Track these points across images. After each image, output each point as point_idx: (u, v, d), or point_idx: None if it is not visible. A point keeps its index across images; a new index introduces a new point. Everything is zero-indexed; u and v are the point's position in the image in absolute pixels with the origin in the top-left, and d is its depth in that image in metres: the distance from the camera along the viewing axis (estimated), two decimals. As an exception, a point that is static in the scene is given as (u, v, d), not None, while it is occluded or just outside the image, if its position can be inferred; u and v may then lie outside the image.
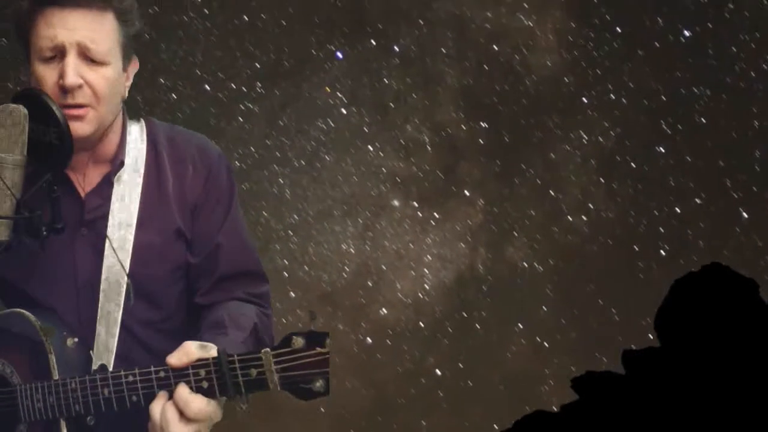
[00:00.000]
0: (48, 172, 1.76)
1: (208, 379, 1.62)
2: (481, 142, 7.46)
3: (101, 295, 1.87)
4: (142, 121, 1.98)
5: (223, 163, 2.01)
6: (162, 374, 1.66)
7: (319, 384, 1.57)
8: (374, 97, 7.32)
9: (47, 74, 1.78)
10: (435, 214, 7.57)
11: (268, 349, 1.58)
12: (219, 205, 1.97)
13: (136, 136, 1.95)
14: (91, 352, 1.85)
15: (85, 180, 1.91)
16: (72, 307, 1.88)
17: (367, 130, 7.32)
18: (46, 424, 1.77)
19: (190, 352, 1.66)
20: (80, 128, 1.79)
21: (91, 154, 1.90)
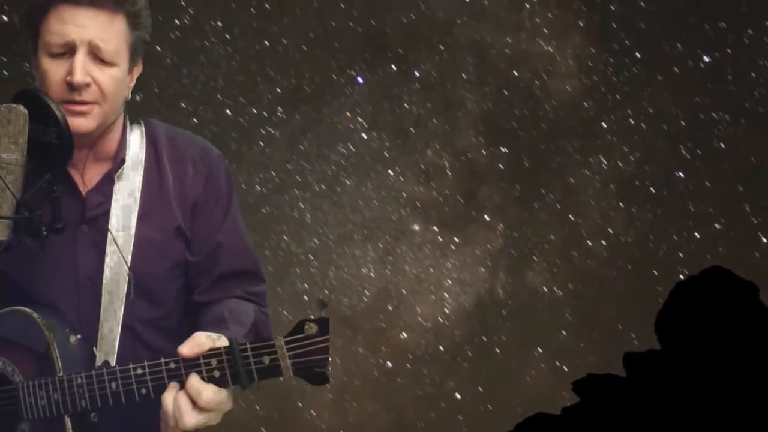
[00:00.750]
0: (48, 172, 1.76)
1: (219, 368, 1.63)
2: (501, 166, 7.49)
3: (103, 292, 1.87)
4: (142, 123, 2.00)
5: (223, 164, 2.03)
6: (172, 365, 1.67)
7: (329, 369, 1.61)
8: (395, 122, 7.37)
9: (54, 69, 1.79)
10: (455, 238, 7.60)
11: (280, 337, 1.61)
12: (219, 204, 1.98)
13: (137, 135, 1.97)
14: (94, 348, 1.85)
15: (86, 178, 1.92)
16: (73, 304, 1.88)
17: (387, 155, 7.37)
18: (49, 421, 1.76)
19: (201, 342, 1.68)
20: (83, 124, 1.81)
21: (93, 152, 1.91)
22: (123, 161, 1.93)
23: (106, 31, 1.79)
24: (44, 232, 1.74)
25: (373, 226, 7.46)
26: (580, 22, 7.17)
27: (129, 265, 1.86)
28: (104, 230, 1.89)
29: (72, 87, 1.77)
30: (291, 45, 6.92)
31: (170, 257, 1.94)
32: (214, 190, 1.98)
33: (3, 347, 1.84)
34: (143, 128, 1.99)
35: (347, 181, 7.33)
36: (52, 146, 1.73)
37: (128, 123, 1.97)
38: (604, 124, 7.34)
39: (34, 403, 1.77)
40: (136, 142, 1.95)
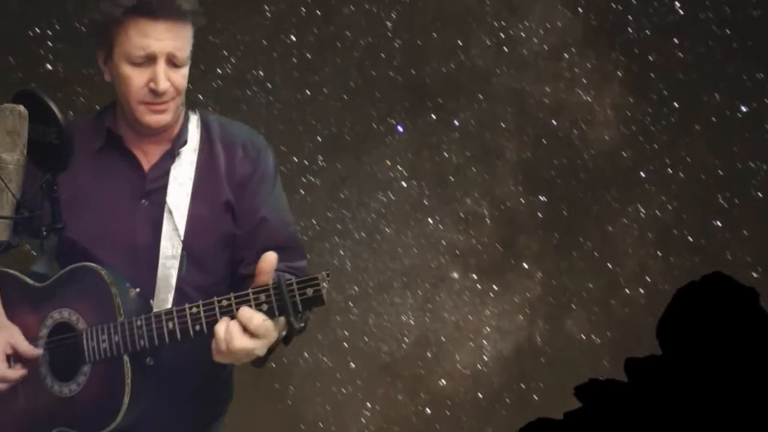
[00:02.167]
0: (48, 172, 1.78)
1: (267, 302, 1.78)
2: (540, 215, 7.44)
3: (160, 260, 2.03)
4: (198, 111, 2.19)
5: (269, 149, 2.19)
6: (224, 303, 1.81)
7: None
8: (434, 171, 7.34)
9: (137, 76, 1.98)
10: (494, 286, 7.54)
11: (323, 272, 1.77)
12: (264, 183, 2.14)
13: (194, 120, 2.15)
14: (151, 301, 2.01)
15: (148, 156, 2.10)
16: (130, 270, 2.02)
17: (426, 203, 7.33)
18: (109, 362, 1.91)
19: (271, 258, 1.83)
20: (163, 119, 2.03)
21: (157, 135, 2.10)
22: (185, 142, 2.11)
23: (181, 40, 1.99)
24: (44, 232, 1.75)
25: (412, 273, 7.46)
26: (618, 72, 7.17)
27: (182, 236, 2.03)
28: (161, 203, 2.06)
29: (155, 93, 1.98)
30: (332, 94, 6.95)
31: (219, 230, 2.09)
32: (260, 170, 2.14)
33: (70, 298, 1.99)
34: (198, 115, 2.17)
35: (387, 229, 7.34)
36: (52, 146, 1.74)
37: (186, 109, 2.15)
38: (642, 174, 7.31)
39: (96, 347, 1.92)
40: (193, 126, 2.14)
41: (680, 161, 7.28)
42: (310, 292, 1.76)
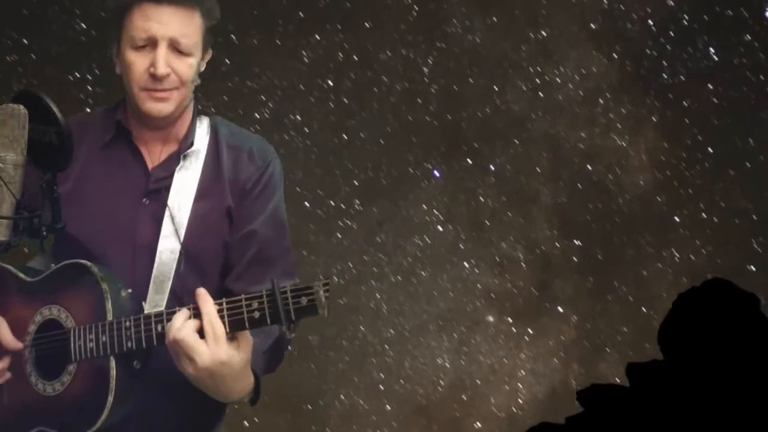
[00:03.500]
0: (48, 172, 1.78)
1: (260, 309, 1.73)
2: (575, 259, 7.47)
3: (157, 260, 1.99)
4: (209, 116, 2.16)
5: (277, 160, 2.16)
6: (216, 307, 1.76)
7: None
8: (470, 215, 7.39)
9: (138, 61, 1.96)
10: (529, 329, 7.57)
11: (318, 281, 1.71)
12: (263, 195, 2.10)
13: (204, 124, 2.13)
14: (143, 303, 1.96)
15: (153, 155, 2.08)
16: (129, 268, 1.99)
17: (462, 247, 7.38)
18: (95, 362, 1.86)
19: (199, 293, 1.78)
20: (164, 108, 1.99)
21: (164, 133, 2.07)
22: (191, 144, 2.08)
23: (185, 26, 1.96)
24: (44, 232, 1.75)
25: (448, 316, 7.50)
26: (653, 118, 7.23)
27: (181, 238, 1.99)
28: (163, 204, 2.02)
29: (155, 78, 1.94)
30: (368, 139, 7.02)
31: (219, 236, 2.05)
32: (264, 180, 2.10)
33: (60, 295, 1.95)
34: (209, 120, 2.15)
35: (423, 273, 7.38)
36: (52, 146, 1.74)
37: (197, 112, 2.12)
38: (676, 218, 7.36)
39: (83, 346, 1.87)
40: (202, 130, 2.11)
41: (714, 206, 7.34)
42: (304, 301, 1.71)
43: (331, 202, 6.96)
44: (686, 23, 6.96)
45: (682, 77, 7.05)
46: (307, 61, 6.77)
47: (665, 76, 7.08)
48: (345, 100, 6.93)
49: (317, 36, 6.70)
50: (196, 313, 1.76)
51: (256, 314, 1.73)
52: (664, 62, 7.04)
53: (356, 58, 6.90)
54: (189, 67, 1.98)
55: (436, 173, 7.30)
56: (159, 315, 1.82)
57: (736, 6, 6.81)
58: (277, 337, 1.97)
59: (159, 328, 1.80)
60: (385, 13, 6.79)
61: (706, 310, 5.39)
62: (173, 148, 2.08)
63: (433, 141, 7.22)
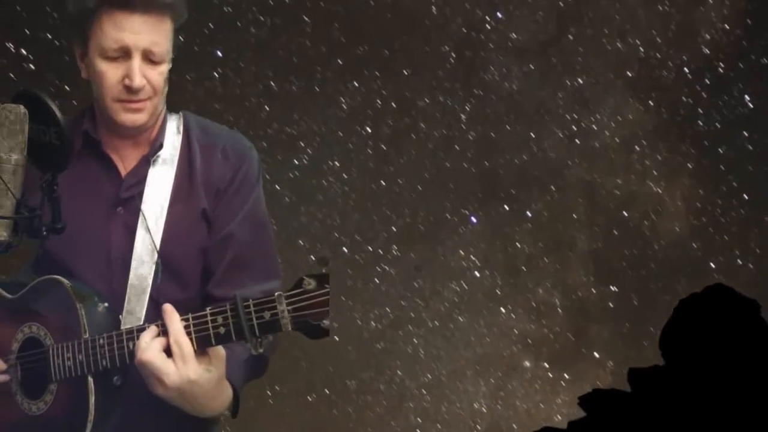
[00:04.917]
0: (48, 172, 1.77)
1: (224, 324, 1.68)
2: (611, 305, 7.50)
3: (132, 270, 1.93)
4: (181, 114, 2.07)
5: (254, 157, 2.07)
6: (183, 323, 1.72)
7: (326, 322, 1.63)
8: (507, 261, 7.42)
9: (111, 71, 1.88)
10: (565, 374, 7.59)
11: (281, 292, 1.65)
12: (239, 195, 2.02)
13: (173, 124, 2.04)
14: (120, 316, 1.91)
15: (125, 161, 2.01)
16: (104, 279, 1.94)
17: (499, 293, 7.40)
18: (75, 381, 1.83)
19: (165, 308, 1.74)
20: (140, 119, 1.92)
21: (135, 139, 2.00)
22: (160, 146, 1.99)
23: (157, 34, 1.89)
24: (44, 232, 1.75)
25: (485, 362, 7.52)
26: (689, 165, 7.26)
27: (157, 246, 1.93)
28: (137, 211, 1.96)
29: (130, 90, 1.88)
30: (406, 185, 7.05)
31: (197, 240, 1.99)
32: (239, 177, 2.01)
33: (37, 313, 1.92)
34: (180, 118, 2.05)
35: (460, 318, 7.41)
36: (52, 146, 1.73)
37: (165, 112, 2.03)
38: (712, 264, 7.36)
39: (61, 365, 1.83)
40: (172, 130, 2.02)
41: (750, 253, 7.35)
42: (267, 315, 1.65)
43: (369, 247, 7.01)
44: (722, 71, 6.98)
45: (717, 124, 7.10)
46: (345, 107, 6.80)
47: (701, 123, 7.12)
48: (383, 146, 7.00)
49: (356, 83, 6.69)
50: (165, 330, 1.72)
51: (222, 330, 1.68)
52: (699, 109, 7.09)
53: (394, 105, 6.92)
54: (161, 75, 1.92)
55: (473, 219, 7.33)
56: (130, 332, 1.78)
57: (771, 54, 6.90)
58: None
59: (131, 345, 1.76)
60: (422, 60, 6.81)
61: (708, 315, 5.39)
62: (144, 152, 2.01)
63: (470, 187, 7.28)
